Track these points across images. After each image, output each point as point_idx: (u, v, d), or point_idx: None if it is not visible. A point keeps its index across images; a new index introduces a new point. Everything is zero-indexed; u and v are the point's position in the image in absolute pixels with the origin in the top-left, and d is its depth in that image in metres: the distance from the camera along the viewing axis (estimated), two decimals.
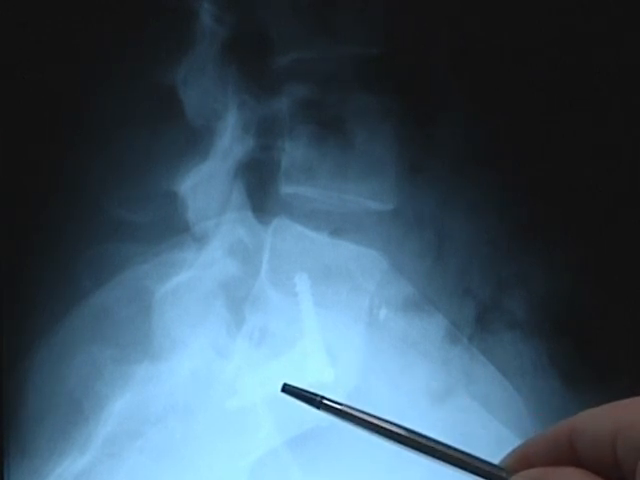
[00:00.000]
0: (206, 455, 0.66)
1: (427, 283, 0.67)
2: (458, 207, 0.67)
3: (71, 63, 0.67)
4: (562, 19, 0.68)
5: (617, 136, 0.68)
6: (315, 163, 0.68)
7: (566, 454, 0.33)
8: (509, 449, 0.35)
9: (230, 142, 0.68)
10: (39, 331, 0.66)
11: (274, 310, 0.67)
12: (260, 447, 0.66)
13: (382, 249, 0.67)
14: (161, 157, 0.67)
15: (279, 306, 0.67)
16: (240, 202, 0.67)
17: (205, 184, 0.67)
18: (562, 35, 0.67)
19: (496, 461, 0.35)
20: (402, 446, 0.35)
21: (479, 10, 0.68)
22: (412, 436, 0.35)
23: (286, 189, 0.67)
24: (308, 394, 0.36)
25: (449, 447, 0.35)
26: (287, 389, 0.37)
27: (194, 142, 0.67)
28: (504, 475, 0.34)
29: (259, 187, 0.68)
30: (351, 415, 0.36)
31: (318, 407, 0.36)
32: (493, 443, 0.65)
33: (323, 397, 0.36)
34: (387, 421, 0.35)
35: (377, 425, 0.35)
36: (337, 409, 0.36)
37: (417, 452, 0.35)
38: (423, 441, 0.35)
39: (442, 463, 0.34)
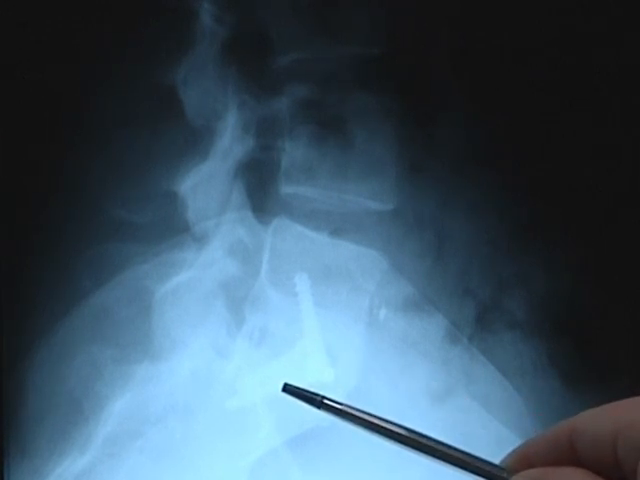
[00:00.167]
0: (206, 455, 0.66)
1: (427, 283, 0.67)
2: (458, 207, 0.67)
3: (71, 63, 0.67)
4: (562, 19, 0.68)
5: (617, 136, 0.68)
6: (315, 163, 0.68)
7: (566, 454, 0.33)
8: (509, 449, 0.35)
9: (230, 142, 0.68)
10: (39, 331, 0.66)
11: (274, 310, 0.67)
12: (260, 447, 0.66)
13: (382, 249, 0.67)
14: (161, 157, 0.67)
15: (279, 306, 0.67)
16: (240, 202, 0.67)
17: (205, 184, 0.67)
18: (562, 35, 0.67)
19: (496, 461, 0.35)
20: (403, 446, 0.35)
21: (479, 10, 0.68)
22: (413, 436, 0.35)
23: (286, 189, 0.67)
24: (309, 394, 0.36)
25: (450, 447, 0.35)
26: (288, 389, 0.37)
27: (194, 142, 0.67)
28: (505, 475, 0.34)
29: (259, 187, 0.68)
30: (352, 415, 0.36)
31: (319, 407, 0.36)
32: (493, 443, 0.65)
33: (324, 397, 0.36)
34: (388, 421, 0.35)
35: (378, 425, 0.35)
36: (338, 409, 0.36)
37: (418, 452, 0.35)
38: (424, 441, 0.35)
39: (443, 463, 0.35)
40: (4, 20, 0.66)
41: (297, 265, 0.67)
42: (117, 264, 0.66)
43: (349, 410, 0.36)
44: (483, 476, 0.34)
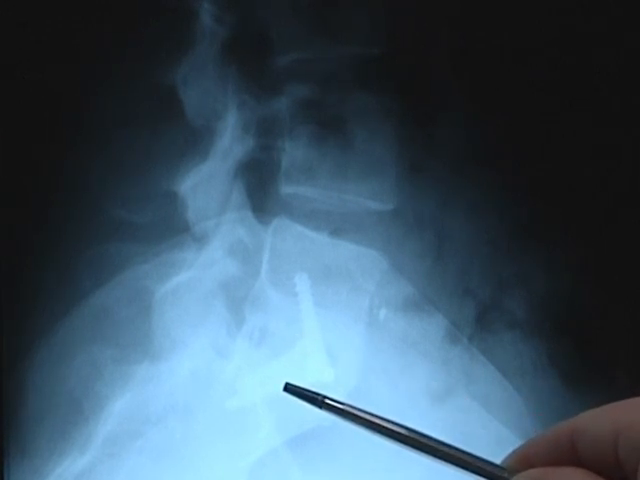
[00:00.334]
0: (206, 455, 0.66)
1: (427, 283, 0.67)
2: (458, 207, 0.67)
3: (71, 63, 0.67)
4: (562, 19, 0.68)
5: (617, 136, 0.68)
6: (315, 163, 0.68)
7: (567, 454, 0.33)
8: (509, 449, 0.35)
9: (230, 142, 0.68)
10: (39, 331, 0.66)
11: (274, 310, 0.67)
12: (260, 447, 0.66)
13: (382, 249, 0.67)
14: (161, 157, 0.67)
15: (279, 306, 0.67)
16: (240, 202, 0.67)
17: (205, 184, 0.67)
18: (562, 35, 0.67)
19: (497, 461, 0.35)
20: (404, 446, 0.35)
21: (479, 10, 0.68)
22: (414, 436, 0.35)
23: (286, 189, 0.67)
24: (310, 393, 0.36)
25: (451, 447, 0.35)
26: (289, 388, 0.37)
27: (194, 142, 0.67)
28: (505, 475, 0.34)
29: (259, 187, 0.68)
30: (353, 415, 0.36)
31: (320, 406, 0.36)
32: (493, 443, 0.65)
33: (325, 396, 0.36)
34: (389, 421, 0.35)
35: (379, 425, 0.35)
36: (339, 408, 0.36)
37: (419, 452, 0.35)
38: (425, 441, 0.35)
39: (443, 463, 0.35)
40: (4, 20, 0.66)
41: (297, 265, 0.67)
42: (117, 264, 0.66)
43: (350, 410, 0.36)
44: (484, 476, 0.34)
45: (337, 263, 0.68)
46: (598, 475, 0.32)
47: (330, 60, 0.67)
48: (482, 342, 0.67)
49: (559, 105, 0.68)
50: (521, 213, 0.67)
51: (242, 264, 0.68)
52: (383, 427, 0.35)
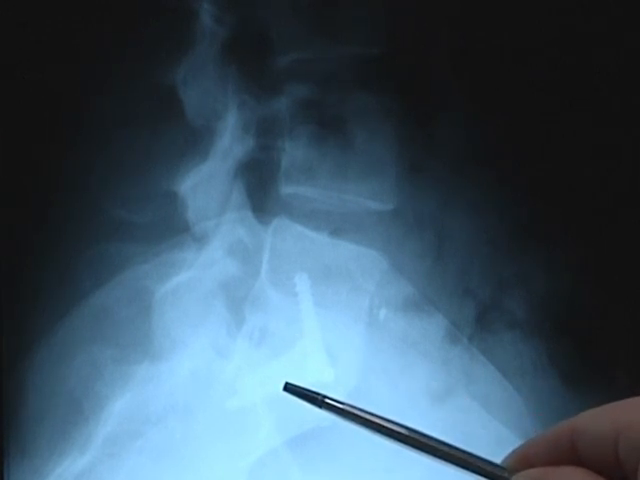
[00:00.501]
0: (206, 455, 0.66)
1: (427, 283, 0.67)
2: (458, 207, 0.67)
3: (71, 63, 0.67)
4: (562, 19, 0.68)
5: (617, 136, 0.68)
6: (315, 163, 0.68)
7: (567, 454, 0.33)
8: (509, 449, 0.35)
9: (230, 142, 0.68)
10: (39, 331, 0.66)
11: (274, 310, 0.67)
12: (260, 447, 0.66)
13: (382, 249, 0.67)
14: (161, 157, 0.67)
15: (279, 306, 0.67)
16: (240, 202, 0.67)
17: (205, 184, 0.67)
18: (562, 35, 0.67)
19: (497, 461, 0.35)
20: (404, 445, 0.35)
21: (479, 10, 0.68)
22: (414, 435, 0.35)
23: (286, 189, 0.67)
24: (310, 393, 0.36)
25: (451, 446, 0.35)
26: (289, 388, 0.37)
27: (194, 142, 0.67)
28: (506, 475, 0.34)
29: (259, 187, 0.68)
30: (353, 414, 0.36)
31: (320, 406, 0.36)
32: (493, 443, 0.65)
33: (325, 396, 0.36)
34: (389, 420, 0.35)
35: (379, 424, 0.35)
36: (339, 408, 0.36)
37: (419, 451, 0.35)
38: (425, 440, 0.35)
39: (444, 462, 0.35)
40: (4, 20, 0.66)
41: (297, 265, 0.67)
42: (117, 264, 0.66)
43: (350, 409, 0.36)
44: (484, 476, 0.34)
45: (337, 263, 0.68)
46: (598, 475, 0.32)
47: (330, 60, 0.67)
48: (482, 342, 0.67)
49: (559, 105, 0.68)
50: (521, 213, 0.67)
51: (242, 264, 0.67)
52: (383, 427, 0.35)
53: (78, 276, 0.66)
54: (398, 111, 0.67)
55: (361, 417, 0.36)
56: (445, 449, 0.34)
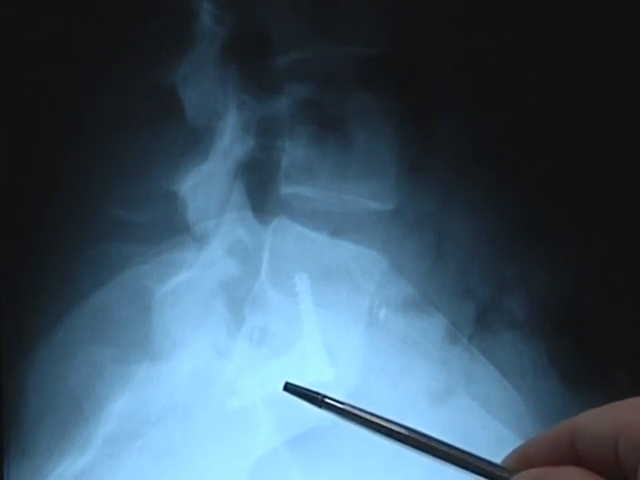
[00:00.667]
0: (206, 455, 0.66)
1: (427, 283, 0.67)
2: (458, 207, 0.67)
3: (71, 63, 0.67)
4: (562, 19, 0.68)
5: (617, 136, 0.68)
6: (315, 163, 0.68)
7: (567, 454, 0.33)
8: (509, 449, 0.35)
9: (230, 142, 0.68)
10: (39, 331, 0.66)
11: (274, 310, 0.67)
12: (260, 447, 0.66)
13: (382, 249, 0.67)
14: (161, 157, 0.67)
15: (279, 306, 0.67)
16: (240, 202, 0.67)
17: (205, 184, 0.67)
18: (562, 35, 0.67)
19: (497, 461, 0.35)
20: (403, 445, 0.35)
21: (479, 10, 0.68)
22: (413, 435, 0.35)
23: (286, 189, 0.67)
24: (310, 393, 0.36)
25: (450, 446, 0.35)
26: (289, 388, 0.37)
27: (194, 142, 0.67)
28: (505, 475, 0.34)
29: (259, 187, 0.68)
30: (353, 414, 0.36)
31: (320, 406, 0.36)
32: (493, 443, 0.65)
33: (325, 396, 0.36)
34: (389, 420, 0.35)
35: (379, 424, 0.35)
36: (339, 408, 0.36)
37: (418, 451, 0.35)
38: (424, 440, 0.35)
39: (443, 462, 0.34)
40: (4, 20, 0.66)
41: (297, 265, 0.67)
42: (117, 264, 0.66)
43: (350, 409, 0.36)
44: (484, 476, 0.34)
45: (337, 263, 0.68)
46: (598, 475, 0.32)
47: (330, 60, 0.67)
48: (482, 342, 0.67)
49: (559, 105, 0.68)
50: (521, 213, 0.67)
51: (242, 264, 0.67)
52: (383, 427, 0.35)
53: (78, 276, 0.66)
54: (398, 111, 0.67)
55: (361, 417, 0.36)
56: (445, 449, 0.34)
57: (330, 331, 0.67)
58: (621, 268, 0.68)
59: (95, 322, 0.66)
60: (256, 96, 0.67)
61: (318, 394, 0.36)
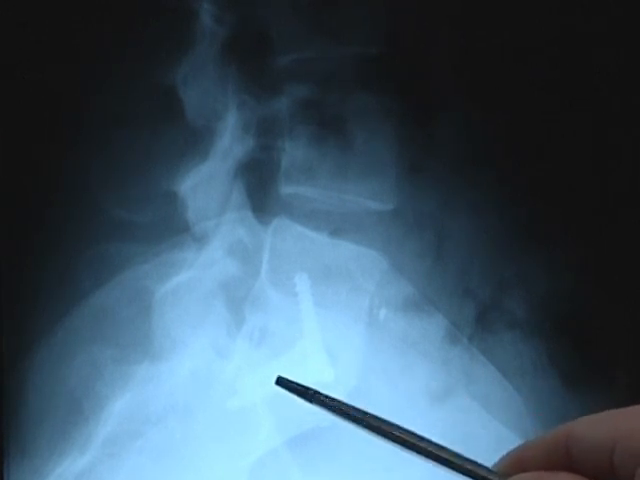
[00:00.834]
0: (206, 455, 0.66)
1: (427, 283, 0.67)
2: (458, 207, 0.67)
3: (71, 63, 0.67)
4: (562, 19, 0.68)
5: (617, 136, 0.68)
6: (315, 163, 0.68)
7: (562, 460, 0.33)
8: (509, 449, 0.35)
9: (230, 142, 0.68)
10: (39, 331, 0.66)
11: (274, 310, 0.67)
12: (260, 447, 0.66)
13: (382, 249, 0.67)
14: (161, 157, 0.67)
15: (279, 306, 0.67)
16: (240, 202, 0.67)
17: (205, 184, 0.67)
18: (562, 35, 0.67)
19: (495, 461, 0.35)
20: (394, 444, 0.35)
21: (479, 9, 0.68)
22: (404, 435, 0.35)
23: (286, 189, 0.67)
24: (301, 387, 0.36)
25: (441, 447, 0.34)
26: (281, 382, 0.37)
27: (194, 142, 0.67)
28: (496, 478, 0.34)
29: (259, 187, 0.68)
30: (343, 410, 0.36)
31: (311, 401, 0.36)
32: (493, 443, 0.65)
33: (316, 391, 0.36)
34: (380, 418, 0.35)
35: (369, 422, 0.35)
36: (329, 404, 0.36)
37: (409, 451, 0.35)
38: (415, 440, 0.35)
39: (434, 463, 0.34)
40: (4, 20, 0.66)
41: (297, 265, 0.67)
42: (117, 264, 0.66)
43: (341, 406, 0.36)
44: (475, 478, 0.34)
45: (337, 263, 0.68)
46: None
47: (330, 60, 0.67)
48: (482, 342, 0.67)
49: (559, 105, 0.68)
50: (521, 213, 0.67)
51: (242, 264, 0.67)
52: (373, 425, 0.35)
53: (78, 276, 0.66)
54: (398, 111, 0.67)
55: (351, 414, 0.35)
56: (434, 450, 0.34)
57: (330, 331, 0.67)
58: (621, 268, 0.68)
59: (95, 322, 0.66)
60: (256, 96, 0.67)
61: (309, 389, 0.36)
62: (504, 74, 0.67)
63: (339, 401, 0.36)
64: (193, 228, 0.67)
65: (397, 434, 0.35)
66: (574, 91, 0.68)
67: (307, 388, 0.36)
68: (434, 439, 0.35)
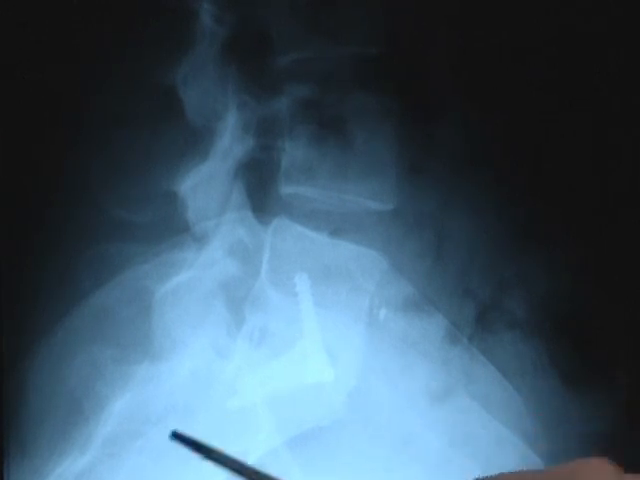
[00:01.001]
0: None
1: (427, 283, 0.67)
2: (458, 207, 0.67)
3: (71, 63, 0.67)
4: (561, 19, 0.68)
5: (617, 136, 0.68)
6: (315, 163, 0.68)
7: None
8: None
9: (230, 142, 0.68)
10: (39, 331, 0.66)
11: (274, 310, 0.67)
12: (260, 447, 0.66)
13: (382, 249, 0.67)
14: (161, 157, 0.67)
15: (279, 306, 0.67)
16: (240, 202, 0.68)
17: (205, 184, 0.67)
18: (562, 35, 0.67)
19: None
20: None
21: (477, 9, 0.68)
22: None
23: (286, 189, 0.67)
24: (196, 443, 0.36)
25: None
26: (177, 436, 0.37)
27: (194, 142, 0.67)
28: None
29: (259, 187, 0.68)
30: (237, 468, 0.35)
31: (205, 457, 0.36)
32: (493, 443, 0.65)
33: (210, 448, 0.36)
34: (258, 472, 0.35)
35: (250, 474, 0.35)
36: (222, 460, 0.36)
37: None
38: None
39: None
40: (4, 20, 0.66)
41: (297, 265, 0.67)
42: (117, 264, 0.66)
43: (234, 463, 0.36)
44: None
45: (337, 263, 0.68)
46: None
47: (330, 60, 0.67)
48: (482, 342, 0.67)
49: (558, 105, 0.68)
50: (521, 213, 0.67)
51: (242, 264, 0.68)
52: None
53: (78, 276, 0.66)
54: (398, 111, 0.67)
55: (245, 471, 0.35)
56: None
57: (330, 331, 0.67)
58: (621, 268, 0.68)
59: (95, 322, 0.66)
60: (256, 96, 0.67)
61: (203, 446, 0.36)
62: (503, 74, 0.68)
63: (232, 459, 0.36)
64: (193, 228, 0.67)
65: None
66: (573, 91, 0.68)
67: (201, 445, 0.36)
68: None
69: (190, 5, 0.67)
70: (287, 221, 0.67)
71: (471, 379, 0.67)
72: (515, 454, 0.64)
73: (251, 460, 0.66)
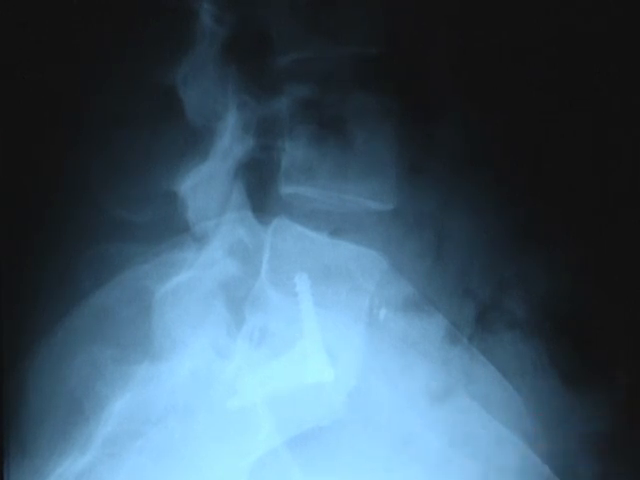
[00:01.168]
0: (206, 455, 0.66)
1: (427, 283, 0.67)
2: (458, 207, 0.67)
3: (71, 63, 0.67)
4: (561, 19, 0.68)
5: (617, 136, 0.68)
6: (315, 163, 0.68)
7: None
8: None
9: (230, 142, 0.68)
10: (39, 331, 0.66)
11: (274, 310, 0.67)
12: (260, 447, 0.66)
13: (382, 249, 0.67)
14: (161, 157, 0.67)
15: (279, 306, 0.67)
16: (240, 202, 0.68)
17: (205, 184, 0.67)
18: (561, 35, 0.68)
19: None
20: None
21: (477, 10, 0.68)
22: None
23: (286, 189, 0.67)
24: None
25: None
26: None
27: (194, 142, 0.67)
28: None
29: (259, 187, 0.68)
30: None
31: None
32: (493, 443, 0.65)
33: None
34: None
35: None
36: None
37: None
38: None
39: None
40: (4, 20, 0.66)
41: (297, 265, 0.67)
42: (117, 264, 0.66)
43: None
44: None
45: (337, 263, 0.68)
46: None
47: (330, 60, 0.67)
48: (482, 342, 0.67)
49: (558, 105, 0.68)
50: (521, 213, 0.67)
51: (242, 264, 0.68)
52: None
53: (78, 276, 0.66)
54: (398, 111, 0.67)
55: None
56: None
57: (330, 331, 0.67)
58: (621, 268, 0.68)
59: (95, 322, 0.66)
60: (256, 96, 0.68)
61: None
62: (502, 74, 0.68)
63: None
64: (193, 228, 0.67)
65: None
66: (573, 91, 0.68)
67: None
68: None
69: (190, 5, 0.67)
70: (287, 221, 0.67)
71: (471, 379, 0.67)
72: (515, 454, 0.64)
73: (251, 460, 0.66)
